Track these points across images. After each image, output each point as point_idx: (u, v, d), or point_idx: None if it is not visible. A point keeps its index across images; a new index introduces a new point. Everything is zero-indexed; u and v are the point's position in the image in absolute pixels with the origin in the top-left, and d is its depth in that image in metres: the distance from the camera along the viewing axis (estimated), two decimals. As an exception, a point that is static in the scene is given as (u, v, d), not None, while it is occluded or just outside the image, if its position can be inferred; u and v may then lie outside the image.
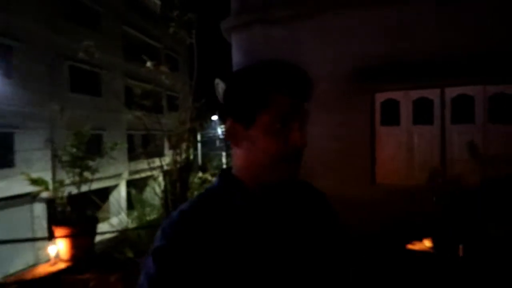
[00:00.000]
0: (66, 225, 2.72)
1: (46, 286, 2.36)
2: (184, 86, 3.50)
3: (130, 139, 13.03)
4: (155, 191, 3.13)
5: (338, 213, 0.69)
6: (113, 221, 3.36)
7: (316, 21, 4.05)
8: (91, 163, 3.13)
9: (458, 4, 3.36)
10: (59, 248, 2.68)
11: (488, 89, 3.43)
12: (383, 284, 2.47)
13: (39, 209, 9.62)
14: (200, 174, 3.52)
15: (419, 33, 3.54)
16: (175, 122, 3.17)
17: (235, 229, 0.52)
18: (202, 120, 3.35)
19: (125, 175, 13.18)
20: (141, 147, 12.80)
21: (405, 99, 3.80)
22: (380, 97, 3.90)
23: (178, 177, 2.96)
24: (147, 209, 3.21)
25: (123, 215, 3.25)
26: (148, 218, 3.12)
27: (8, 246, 7.94)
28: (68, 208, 2.85)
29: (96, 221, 2.98)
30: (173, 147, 3.03)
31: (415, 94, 3.75)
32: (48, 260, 2.71)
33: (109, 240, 3.26)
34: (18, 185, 8.15)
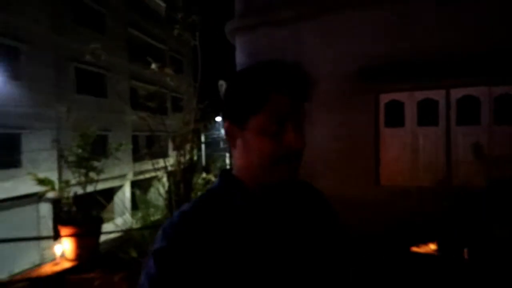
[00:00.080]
0: (71, 224, 2.75)
1: (52, 285, 2.39)
2: (189, 88, 3.53)
3: (135, 140, 13.14)
4: (159, 192, 3.15)
5: (339, 213, 0.69)
6: (118, 222, 3.39)
7: (319, 22, 4.06)
8: (96, 163, 3.17)
9: (463, 4, 3.34)
10: (64, 248, 2.72)
11: (494, 90, 3.39)
12: (387, 286, 2.45)
13: (45, 209, 9.74)
14: (204, 175, 3.53)
15: (424, 33, 3.52)
16: (179, 123, 3.20)
17: (236, 230, 0.52)
18: (206, 121, 3.37)
19: (130, 176, 13.28)
20: (146, 148, 12.92)
21: (410, 100, 3.78)
22: (385, 98, 3.89)
23: (182, 178, 2.98)
24: (151, 210, 3.23)
25: (128, 216, 3.28)
26: (152, 218, 3.14)
27: (14, 245, 8.05)
28: (74, 208, 2.88)
29: (101, 221, 3.01)
30: (177, 148, 3.05)
31: (420, 95, 3.72)
32: (53, 260, 2.74)
33: (114, 240, 3.29)
34: (25, 185, 8.26)
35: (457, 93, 3.56)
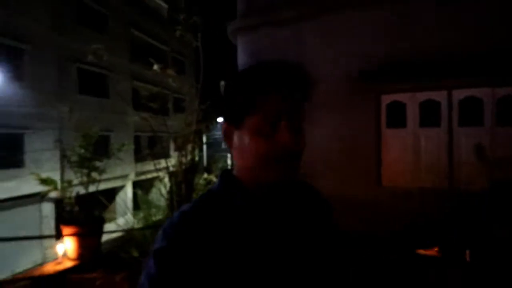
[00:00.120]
0: (73, 224, 2.77)
1: (54, 284, 2.40)
2: (190, 89, 3.54)
3: (136, 140, 13.19)
4: (160, 192, 3.16)
5: (340, 213, 0.70)
6: (120, 222, 3.41)
7: (321, 22, 4.06)
8: (98, 163, 3.19)
9: (465, 4, 3.33)
10: (66, 247, 2.73)
11: (497, 91, 3.38)
12: (388, 286, 2.44)
13: (47, 209, 9.79)
14: (205, 175, 3.54)
15: (425, 33, 3.51)
16: (181, 124, 3.21)
17: (235, 230, 0.52)
18: (208, 122, 3.38)
19: (132, 176, 13.32)
20: (148, 148, 12.95)
21: (412, 101, 3.77)
22: (386, 99, 3.88)
23: (183, 179, 2.99)
24: (153, 210, 3.24)
25: (129, 216, 3.29)
26: (153, 218, 3.15)
27: (16, 245, 8.09)
28: (76, 208, 2.90)
29: (103, 221, 3.02)
30: (179, 148, 3.06)
31: (422, 96, 3.71)
32: (55, 259, 2.76)
33: (115, 240, 3.30)
34: (27, 185, 8.31)
35: (459, 94, 3.55)
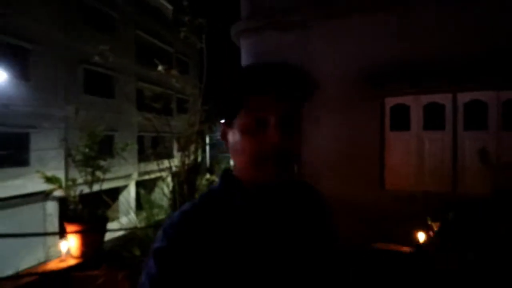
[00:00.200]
0: (77, 222, 2.80)
1: (57, 281, 2.43)
2: (194, 89, 3.56)
3: (140, 140, 13.28)
4: (163, 192, 3.18)
5: (343, 216, 0.70)
6: (123, 221, 3.43)
7: (325, 26, 4.07)
8: (102, 162, 3.22)
9: (470, 7, 3.32)
10: (70, 245, 2.76)
11: (502, 94, 3.35)
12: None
13: (52, 207, 9.88)
14: (208, 176, 3.56)
15: (430, 37, 3.50)
16: (184, 125, 3.23)
17: (235, 229, 0.53)
18: (210, 123, 3.40)
19: (135, 176, 13.40)
20: (151, 148, 13.03)
21: (416, 104, 3.75)
22: (390, 102, 3.87)
23: (186, 179, 3.00)
24: (156, 210, 3.26)
25: (132, 215, 3.31)
26: (156, 218, 3.17)
27: (20, 243, 8.17)
28: (80, 206, 2.93)
29: (106, 220, 3.05)
30: (181, 149, 3.08)
31: (426, 99, 3.70)
32: (59, 257, 2.79)
33: (118, 239, 3.32)
34: (32, 184, 8.40)
35: (464, 97, 3.53)
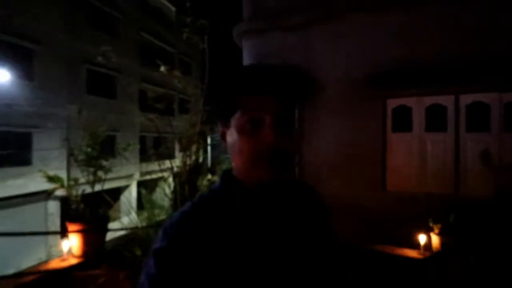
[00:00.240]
0: (79, 221, 2.81)
1: (59, 280, 2.44)
2: (196, 90, 3.57)
3: (142, 140, 13.33)
4: (164, 192, 3.18)
5: (345, 217, 0.70)
6: (124, 221, 3.44)
7: (328, 27, 4.08)
8: (104, 162, 3.23)
9: (472, 9, 3.31)
10: (71, 244, 2.77)
11: (504, 96, 3.34)
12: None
13: (53, 207, 9.93)
14: (209, 176, 3.56)
15: (432, 38, 3.50)
16: (186, 125, 3.24)
17: (235, 230, 0.53)
18: (212, 123, 3.40)
19: (137, 176, 13.44)
20: (153, 148, 13.06)
21: (418, 105, 3.74)
22: (392, 103, 3.86)
23: (187, 179, 3.01)
24: (157, 210, 3.26)
25: (134, 215, 3.32)
26: (157, 218, 3.17)
27: (21, 242, 8.20)
28: (82, 206, 2.94)
29: (107, 219, 3.06)
30: (183, 149, 3.09)
31: (428, 100, 3.69)
32: (60, 256, 2.80)
33: (119, 238, 3.33)
34: (34, 183, 8.45)
35: (466, 99, 3.52)
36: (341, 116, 3.99)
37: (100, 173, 3.23)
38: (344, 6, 3.96)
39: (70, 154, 3.39)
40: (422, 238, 2.92)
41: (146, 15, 14.79)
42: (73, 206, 2.98)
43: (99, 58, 3.26)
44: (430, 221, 2.88)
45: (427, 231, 2.93)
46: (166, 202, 3.23)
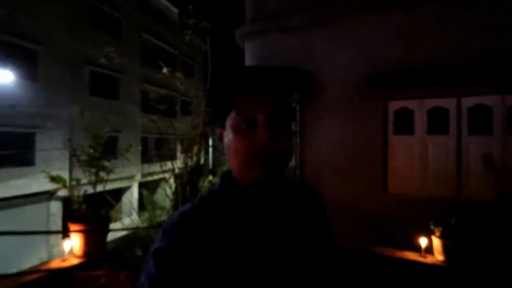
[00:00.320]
0: (81, 222, 2.82)
1: (60, 280, 2.45)
2: (198, 92, 3.59)
3: (144, 142, 13.38)
4: (166, 193, 3.19)
5: (346, 219, 0.70)
6: (125, 221, 3.45)
7: (330, 28, 4.09)
8: (106, 163, 3.24)
9: (475, 10, 3.31)
10: (73, 245, 2.78)
11: (507, 99, 3.33)
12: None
13: (55, 207, 9.97)
14: (210, 177, 3.57)
15: (434, 40, 3.50)
16: (188, 127, 3.25)
17: (234, 229, 0.53)
18: (214, 125, 3.41)
19: (138, 177, 13.48)
20: (154, 150, 13.09)
21: (419, 107, 3.74)
22: (394, 106, 3.86)
23: (188, 180, 3.01)
24: (158, 211, 3.27)
25: (135, 216, 3.33)
26: (158, 219, 3.18)
27: (23, 242, 8.23)
28: (84, 206, 2.95)
29: (109, 220, 3.07)
30: (185, 150, 3.10)
31: (430, 103, 3.68)
32: (61, 256, 2.81)
33: (120, 239, 3.34)
34: (37, 183, 8.49)
35: (468, 102, 3.51)
36: (342, 117, 3.99)
37: (102, 174, 3.24)
38: (344, 6, 3.97)
39: (73, 155, 3.40)
40: (423, 241, 2.91)
41: (148, 17, 14.89)
42: (75, 207, 2.99)
43: (102, 59, 3.28)
44: (431, 224, 2.87)
45: (428, 233, 2.91)
46: (168, 203, 3.24)
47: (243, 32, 4.74)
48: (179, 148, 3.45)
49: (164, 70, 3.16)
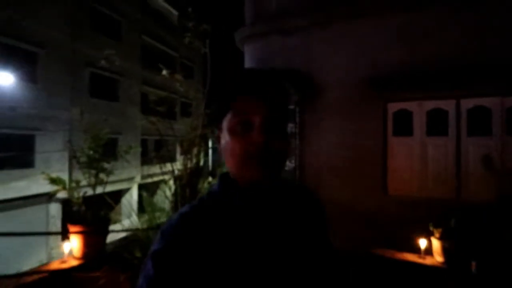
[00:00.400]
0: (80, 223, 2.82)
1: (58, 281, 2.44)
2: (198, 94, 3.60)
3: (143, 143, 13.38)
4: (165, 195, 3.19)
5: (346, 220, 0.70)
6: (125, 223, 3.45)
7: (329, 30, 4.11)
8: (106, 165, 3.24)
9: (473, 12, 3.33)
10: (72, 246, 2.78)
11: (506, 100, 3.34)
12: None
13: (55, 209, 9.95)
14: (210, 179, 3.57)
15: (433, 42, 3.51)
16: (187, 128, 3.25)
17: (233, 231, 0.53)
18: (213, 126, 3.41)
19: (138, 179, 13.47)
20: (154, 151, 13.08)
21: (419, 109, 3.75)
22: (393, 107, 3.87)
23: (188, 182, 3.02)
24: (158, 213, 3.27)
25: (135, 217, 3.33)
26: (158, 221, 3.18)
27: (22, 244, 8.22)
28: (83, 208, 2.95)
29: (108, 221, 3.07)
30: (184, 152, 3.10)
31: (429, 104, 3.69)
32: (60, 258, 2.81)
33: (120, 240, 3.34)
34: (37, 185, 8.49)
35: (467, 103, 3.52)
36: (341, 118, 4.00)
37: (102, 176, 3.24)
38: (344, 8, 3.99)
39: (73, 157, 3.41)
40: (422, 243, 2.91)
41: (148, 19, 14.95)
42: (75, 208, 2.99)
43: (103, 62, 3.30)
44: (431, 225, 2.87)
45: (428, 235, 2.91)
46: (167, 205, 3.24)
47: (243, 34, 4.76)
48: (178, 150, 3.46)
49: (164, 72, 3.17)
